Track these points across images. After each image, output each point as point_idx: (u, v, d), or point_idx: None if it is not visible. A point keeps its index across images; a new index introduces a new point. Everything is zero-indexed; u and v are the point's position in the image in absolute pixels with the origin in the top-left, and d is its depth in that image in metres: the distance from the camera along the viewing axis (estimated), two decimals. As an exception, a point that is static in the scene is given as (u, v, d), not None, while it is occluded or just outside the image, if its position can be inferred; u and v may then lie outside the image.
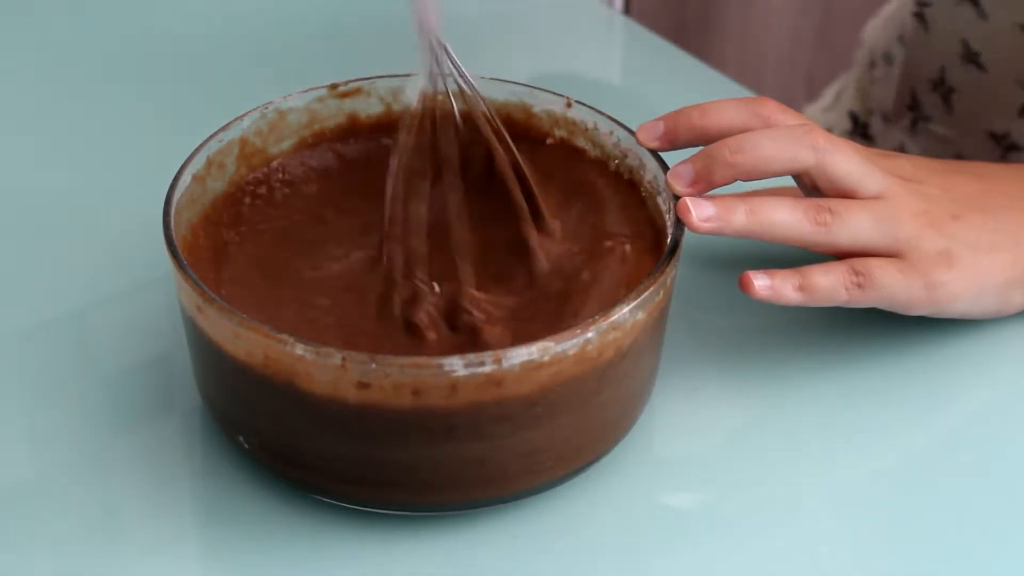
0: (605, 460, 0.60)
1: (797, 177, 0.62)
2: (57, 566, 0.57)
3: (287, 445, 0.57)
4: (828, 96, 0.99)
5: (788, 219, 0.60)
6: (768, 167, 0.60)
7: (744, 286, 0.60)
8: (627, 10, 1.69)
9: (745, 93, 0.84)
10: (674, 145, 0.63)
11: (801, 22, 1.79)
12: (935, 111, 0.81)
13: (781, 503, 0.60)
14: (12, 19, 0.92)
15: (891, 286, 0.61)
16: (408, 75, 0.67)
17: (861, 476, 0.61)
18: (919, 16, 0.80)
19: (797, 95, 1.75)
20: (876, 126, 0.89)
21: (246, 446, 0.58)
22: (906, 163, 0.65)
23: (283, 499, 0.59)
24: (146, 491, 0.59)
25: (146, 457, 0.60)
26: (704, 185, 0.60)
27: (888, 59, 0.87)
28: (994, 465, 0.62)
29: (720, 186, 0.60)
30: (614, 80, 0.89)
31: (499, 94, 0.67)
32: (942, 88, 0.79)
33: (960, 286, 0.62)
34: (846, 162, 0.61)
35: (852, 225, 0.60)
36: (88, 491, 0.59)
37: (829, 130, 0.93)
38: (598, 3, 0.98)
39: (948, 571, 0.57)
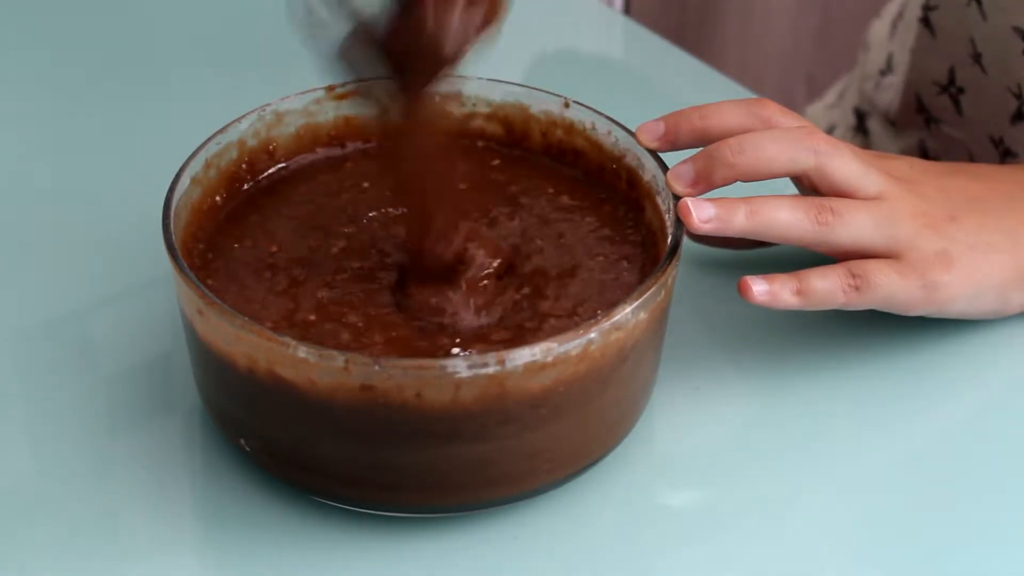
0: (606, 460, 0.60)
1: (796, 179, 0.62)
2: (56, 566, 0.57)
3: (289, 448, 0.57)
4: (831, 95, 0.99)
5: (789, 218, 0.60)
6: (768, 168, 0.60)
7: (742, 292, 0.60)
8: (627, 10, 1.69)
9: (745, 93, 0.84)
10: (674, 146, 0.63)
11: (801, 22, 1.79)
12: (944, 114, 0.81)
13: (782, 502, 0.60)
14: (12, 21, 0.91)
15: (889, 287, 0.61)
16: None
17: (862, 475, 0.61)
18: (925, 21, 0.80)
19: (797, 95, 1.75)
20: (875, 127, 0.89)
21: (247, 449, 0.58)
22: (903, 165, 0.65)
23: (283, 501, 0.58)
24: (146, 492, 0.59)
25: (146, 458, 0.60)
26: (704, 186, 0.60)
27: (893, 66, 0.87)
28: (994, 465, 0.62)
29: (720, 187, 0.60)
30: (614, 80, 0.89)
31: (497, 94, 0.67)
32: (951, 89, 0.79)
33: (959, 287, 0.62)
34: (845, 165, 0.61)
35: (853, 225, 0.60)
36: (88, 492, 0.59)
37: (833, 127, 0.93)
38: (598, 3, 0.98)
39: (952, 570, 0.57)
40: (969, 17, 0.76)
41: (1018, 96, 0.75)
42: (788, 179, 0.63)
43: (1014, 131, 0.76)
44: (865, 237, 0.61)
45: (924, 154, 0.84)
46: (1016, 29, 0.73)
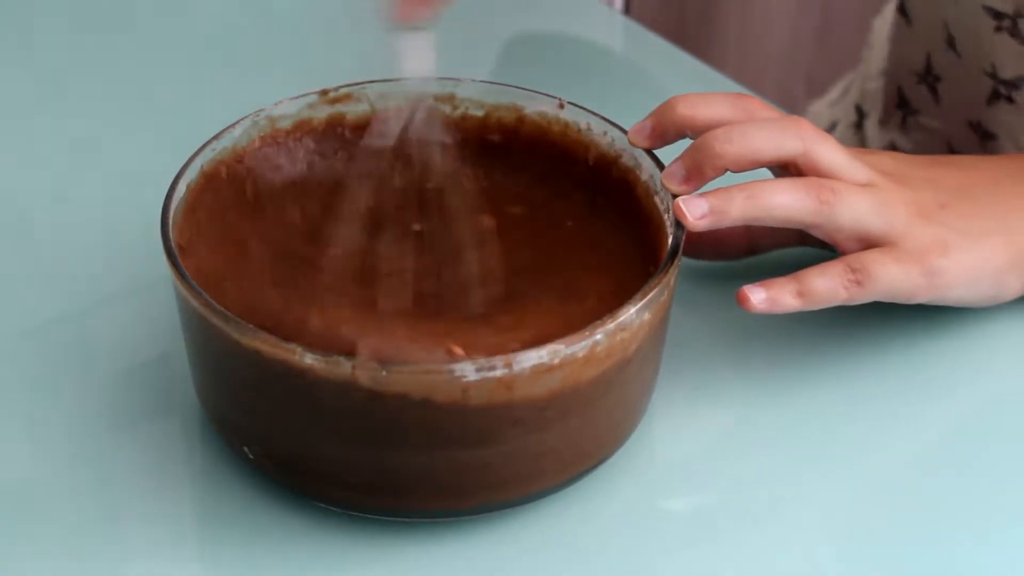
0: (609, 462, 0.60)
1: (782, 168, 0.62)
2: (56, 567, 0.56)
3: (295, 455, 0.57)
4: (835, 91, 0.99)
5: (789, 200, 0.59)
6: (756, 156, 0.60)
7: (741, 303, 0.59)
8: (627, 10, 1.69)
9: (744, 92, 0.83)
10: (664, 140, 0.63)
11: (801, 22, 1.79)
12: (923, 103, 0.81)
13: (784, 504, 0.59)
14: (10, 23, 0.92)
15: (889, 278, 0.60)
16: (400, 79, 0.67)
17: (865, 476, 0.61)
18: (901, 10, 0.81)
19: (797, 94, 1.75)
20: (871, 128, 0.89)
21: (250, 456, 0.58)
22: (888, 159, 0.65)
23: (284, 501, 0.58)
24: (146, 494, 0.59)
25: (146, 459, 0.60)
26: (698, 180, 0.60)
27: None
28: (997, 463, 0.61)
29: (712, 178, 0.60)
30: (614, 80, 0.89)
31: (491, 96, 0.67)
32: (929, 78, 0.79)
33: (957, 272, 0.62)
34: (832, 153, 0.61)
35: (852, 206, 0.60)
36: (87, 493, 0.59)
37: (835, 124, 0.93)
38: (598, 3, 0.98)
39: (957, 572, 0.57)
40: (942, 1, 0.76)
41: (992, 75, 0.75)
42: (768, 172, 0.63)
43: (991, 112, 0.77)
44: (865, 219, 0.60)
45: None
46: (986, 8, 0.73)
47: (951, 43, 0.77)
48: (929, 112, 0.81)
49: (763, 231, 0.67)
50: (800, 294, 0.60)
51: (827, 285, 0.60)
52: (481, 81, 0.67)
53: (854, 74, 0.97)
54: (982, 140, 0.78)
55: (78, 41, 0.90)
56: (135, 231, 0.70)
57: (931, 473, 0.61)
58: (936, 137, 0.82)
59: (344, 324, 0.58)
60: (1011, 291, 0.65)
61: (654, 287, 0.56)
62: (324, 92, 0.67)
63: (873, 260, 0.60)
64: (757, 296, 0.59)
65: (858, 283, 0.60)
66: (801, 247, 0.68)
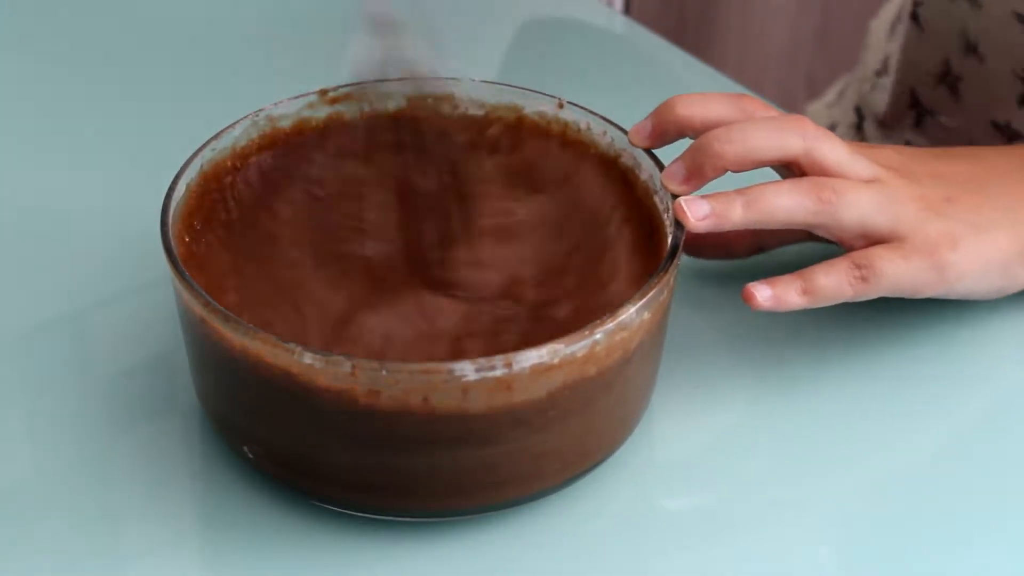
0: (609, 461, 0.60)
1: (785, 167, 0.62)
2: (55, 567, 0.56)
3: (295, 455, 0.57)
4: (832, 93, 0.99)
5: (790, 203, 0.59)
6: (757, 155, 0.60)
7: (747, 300, 0.59)
8: (627, 10, 1.69)
9: (744, 92, 0.83)
10: (664, 140, 0.62)
11: (801, 22, 1.79)
12: (942, 103, 0.81)
13: (784, 504, 0.59)
14: (9, 25, 0.92)
15: (896, 273, 0.60)
16: (398, 80, 0.66)
17: (866, 476, 0.61)
18: (914, 17, 0.81)
19: (797, 94, 1.75)
20: (870, 130, 0.89)
21: (250, 456, 0.58)
22: (892, 153, 0.64)
23: (284, 501, 0.58)
24: (145, 494, 0.59)
25: (146, 459, 0.60)
26: (698, 180, 0.60)
27: (889, 67, 0.87)
28: (1001, 463, 0.61)
29: (713, 179, 0.60)
30: (614, 80, 0.89)
31: (490, 96, 0.67)
32: (949, 78, 0.79)
33: (967, 265, 0.62)
34: (834, 150, 0.61)
35: (855, 203, 0.60)
36: (87, 493, 0.59)
37: (834, 126, 0.93)
38: (598, 3, 0.98)
39: (958, 572, 0.57)
40: (958, 10, 0.76)
41: (1022, 79, 0.75)
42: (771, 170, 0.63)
43: (1021, 113, 0.76)
44: (869, 217, 0.60)
45: None
46: (1016, 14, 0.73)
47: (972, 48, 0.76)
48: (949, 112, 0.81)
49: (769, 230, 0.67)
50: (806, 291, 0.60)
51: (833, 282, 0.60)
52: (481, 81, 0.67)
53: (850, 76, 0.97)
54: (1010, 141, 0.78)
55: (78, 41, 0.90)
56: (135, 231, 0.70)
57: (933, 473, 0.61)
58: (957, 136, 0.81)
59: (343, 321, 0.58)
60: (1019, 282, 0.65)
61: (654, 287, 0.56)
62: (324, 92, 0.67)
63: (879, 256, 0.60)
64: (763, 294, 0.59)
65: (864, 280, 0.60)
66: (808, 243, 0.68)
